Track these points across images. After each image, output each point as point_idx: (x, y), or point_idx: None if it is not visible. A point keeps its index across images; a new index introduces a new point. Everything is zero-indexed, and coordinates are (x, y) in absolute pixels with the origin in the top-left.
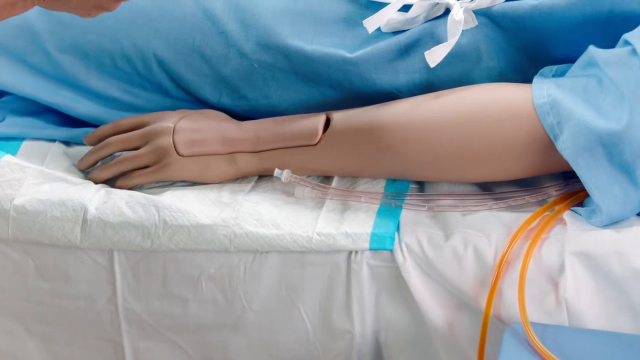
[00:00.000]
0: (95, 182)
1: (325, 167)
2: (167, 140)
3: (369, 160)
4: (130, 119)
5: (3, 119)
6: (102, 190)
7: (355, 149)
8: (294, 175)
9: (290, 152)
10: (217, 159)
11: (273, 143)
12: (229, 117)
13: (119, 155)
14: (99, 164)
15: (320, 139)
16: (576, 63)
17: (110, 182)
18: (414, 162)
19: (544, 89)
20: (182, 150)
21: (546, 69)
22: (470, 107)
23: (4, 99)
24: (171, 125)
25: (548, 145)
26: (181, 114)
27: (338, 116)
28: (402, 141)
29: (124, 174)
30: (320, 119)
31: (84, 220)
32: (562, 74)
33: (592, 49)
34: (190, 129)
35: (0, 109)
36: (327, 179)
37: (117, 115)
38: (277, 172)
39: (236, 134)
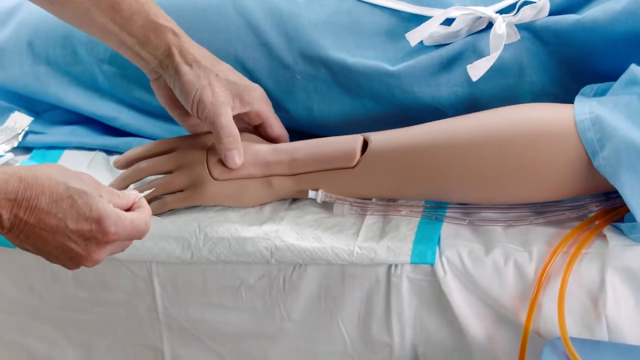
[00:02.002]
0: None
1: (362, 190)
2: (201, 164)
3: (408, 182)
4: (161, 142)
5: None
6: None
7: (394, 171)
8: (329, 194)
9: (327, 174)
10: (252, 182)
11: (309, 166)
12: (262, 140)
13: (153, 180)
14: (131, 186)
15: (358, 161)
16: (617, 82)
17: None
18: (454, 184)
19: (585, 107)
20: (217, 174)
21: (587, 88)
22: (511, 126)
23: (46, 114)
24: (204, 148)
25: (589, 165)
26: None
27: (376, 138)
28: (443, 162)
29: (156, 198)
30: (358, 140)
31: None
32: (602, 92)
33: (633, 68)
34: None
35: (43, 123)
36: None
37: (158, 126)
38: (311, 193)
39: (271, 156)
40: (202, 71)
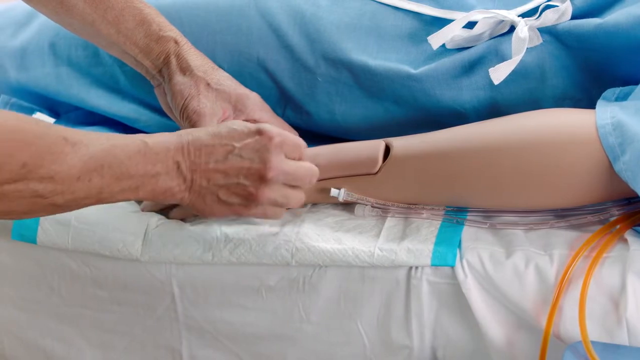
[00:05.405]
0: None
1: (384, 195)
2: None
3: (429, 188)
4: None
5: None
6: None
7: (416, 177)
8: (351, 193)
9: (349, 180)
10: None
11: (331, 172)
12: None
13: None
14: None
15: (380, 167)
16: (639, 86)
17: (164, 213)
18: (477, 190)
19: (607, 112)
20: None
21: (609, 92)
22: (532, 132)
23: (67, 115)
24: None
25: (610, 170)
26: None
27: (397, 144)
28: (466, 168)
29: (175, 205)
30: (380, 147)
31: (146, 233)
32: (624, 96)
33: None
34: None
35: (64, 124)
36: None
37: (179, 128)
38: (333, 191)
39: None
40: (193, 80)
